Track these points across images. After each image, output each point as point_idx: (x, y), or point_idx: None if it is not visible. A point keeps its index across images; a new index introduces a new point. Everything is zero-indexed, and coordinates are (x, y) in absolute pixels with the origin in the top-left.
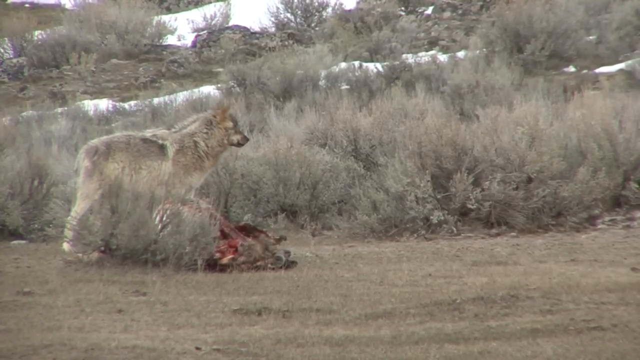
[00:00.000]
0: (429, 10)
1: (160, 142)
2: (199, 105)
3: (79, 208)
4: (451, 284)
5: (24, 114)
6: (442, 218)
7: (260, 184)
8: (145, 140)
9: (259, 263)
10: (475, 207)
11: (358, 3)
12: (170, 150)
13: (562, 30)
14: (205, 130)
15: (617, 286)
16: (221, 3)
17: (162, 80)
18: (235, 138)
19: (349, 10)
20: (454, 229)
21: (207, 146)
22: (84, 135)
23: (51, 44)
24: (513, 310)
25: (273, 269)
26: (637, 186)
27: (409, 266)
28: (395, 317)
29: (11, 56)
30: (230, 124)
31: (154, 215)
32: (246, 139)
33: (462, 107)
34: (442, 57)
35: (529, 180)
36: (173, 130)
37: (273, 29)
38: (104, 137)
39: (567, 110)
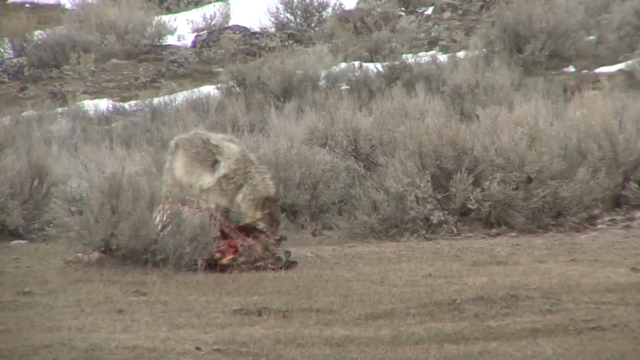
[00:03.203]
0: (429, 11)
1: (218, 157)
2: (199, 106)
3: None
4: (451, 284)
5: (24, 114)
6: (442, 218)
7: None
8: (207, 144)
9: (259, 263)
10: (475, 207)
11: (358, 3)
12: (221, 170)
13: (562, 30)
14: (250, 197)
15: (617, 286)
16: (221, 3)
17: (162, 80)
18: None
19: (349, 11)
20: (454, 229)
21: (240, 204)
22: (84, 135)
23: (51, 44)
24: (513, 310)
25: (273, 269)
26: (637, 186)
27: (409, 266)
28: (395, 317)
29: (11, 56)
30: (259, 215)
31: (154, 215)
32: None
33: (462, 107)
34: (442, 57)
35: (529, 180)
36: (248, 156)
37: (273, 29)
38: (179, 135)
39: (567, 110)
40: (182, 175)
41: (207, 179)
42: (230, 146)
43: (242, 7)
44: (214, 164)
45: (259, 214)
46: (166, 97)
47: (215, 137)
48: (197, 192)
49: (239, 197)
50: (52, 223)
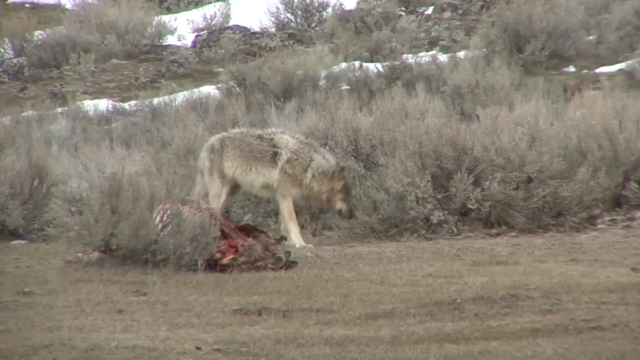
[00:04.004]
0: (429, 10)
1: (276, 149)
2: (199, 106)
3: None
4: (451, 284)
5: (24, 114)
6: (442, 218)
7: None
8: (262, 139)
9: (259, 263)
10: (475, 207)
11: (358, 3)
12: (283, 158)
13: (562, 30)
14: (320, 171)
15: (617, 286)
16: (221, 3)
17: (162, 80)
18: (339, 205)
19: (349, 10)
20: (454, 229)
21: (311, 183)
22: (84, 135)
23: (51, 44)
24: (513, 310)
25: (273, 269)
26: (637, 186)
27: (409, 266)
28: (395, 317)
29: (11, 56)
30: (338, 187)
31: (154, 215)
32: (350, 215)
33: (462, 107)
34: (442, 57)
35: (529, 180)
36: (305, 139)
37: (273, 29)
38: (220, 134)
39: (567, 110)
40: (238, 174)
41: (273, 174)
42: (284, 137)
43: (242, 7)
44: (274, 156)
45: (337, 185)
46: (166, 97)
47: (268, 131)
48: (257, 188)
49: (308, 176)
50: (52, 223)
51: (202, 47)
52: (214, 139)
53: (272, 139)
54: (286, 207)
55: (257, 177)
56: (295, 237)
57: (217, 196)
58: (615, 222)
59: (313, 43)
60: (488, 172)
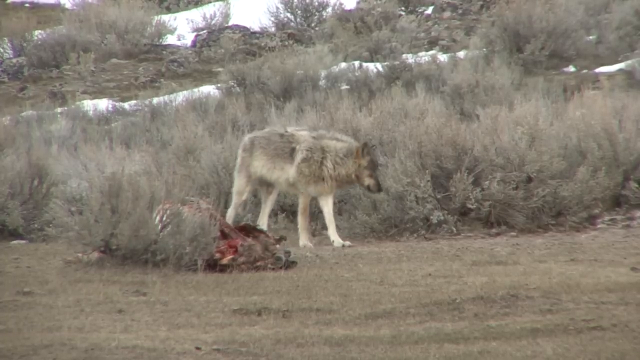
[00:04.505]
0: (429, 10)
1: (294, 144)
2: (199, 105)
3: (232, 203)
4: (451, 284)
5: (24, 114)
6: (442, 218)
7: None
8: (283, 137)
9: (259, 263)
10: (475, 206)
11: (358, 3)
12: (298, 156)
13: (562, 30)
14: (341, 156)
15: (617, 286)
16: (221, 3)
17: (162, 80)
18: (367, 181)
19: (349, 10)
20: (454, 228)
21: (336, 170)
22: (84, 135)
23: (51, 44)
24: (513, 310)
25: (273, 269)
26: (637, 186)
27: (408, 266)
28: (395, 317)
29: (11, 56)
30: (365, 163)
31: (154, 215)
32: (378, 188)
33: (462, 107)
34: (442, 57)
35: (529, 180)
36: (314, 133)
37: (273, 29)
38: (254, 132)
39: (567, 110)
40: (265, 173)
41: (291, 170)
42: (302, 133)
43: (242, 6)
44: (292, 152)
45: (363, 162)
46: (166, 97)
47: (290, 128)
48: (284, 186)
49: (329, 167)
50: (52, 223)
51: (202, 47)
52: (247, 138)
53: (292, 135)
54: (301, 203)
55: (281, 174)
56: (302, 232)
57: (239, 193)
58: (615, 221)
59: (313, 43)
60: (488, 172)
